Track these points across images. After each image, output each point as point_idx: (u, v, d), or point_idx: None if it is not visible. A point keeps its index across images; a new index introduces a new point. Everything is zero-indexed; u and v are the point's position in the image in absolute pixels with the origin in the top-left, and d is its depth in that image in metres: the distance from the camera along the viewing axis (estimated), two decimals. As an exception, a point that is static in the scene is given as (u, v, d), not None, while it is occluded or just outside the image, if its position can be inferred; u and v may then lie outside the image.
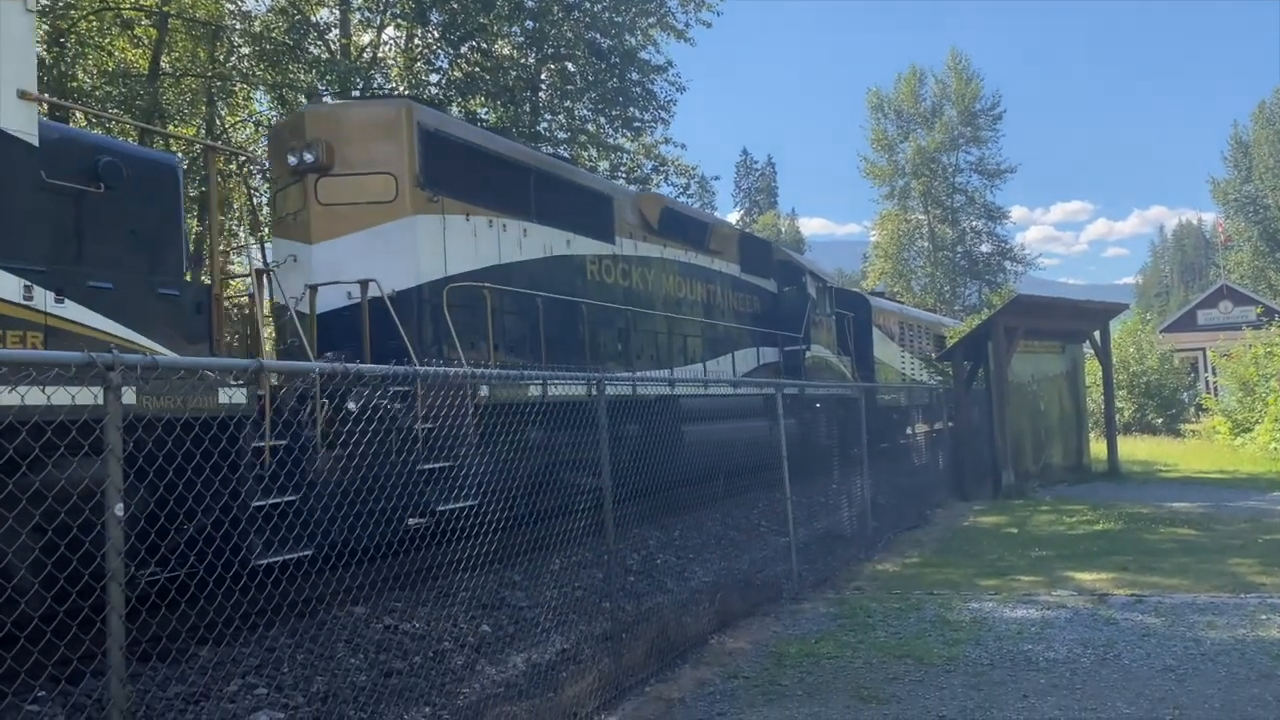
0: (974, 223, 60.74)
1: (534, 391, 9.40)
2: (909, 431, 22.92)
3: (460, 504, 7.10)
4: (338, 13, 23.74)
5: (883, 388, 21.80)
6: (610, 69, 26.14)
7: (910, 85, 60.27)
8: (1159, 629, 6.83)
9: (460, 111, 22.95)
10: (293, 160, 9.63)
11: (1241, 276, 64.55)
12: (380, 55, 24.39)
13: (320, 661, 6.08)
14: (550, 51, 25.59)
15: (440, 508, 7.19)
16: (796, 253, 25.58)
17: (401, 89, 22.20)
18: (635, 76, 27.16)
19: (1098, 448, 20.23)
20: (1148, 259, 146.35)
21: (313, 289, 9.07)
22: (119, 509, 3.24)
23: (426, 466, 7.63)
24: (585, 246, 12.26)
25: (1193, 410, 33.37)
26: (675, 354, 14.12)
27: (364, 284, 8.76)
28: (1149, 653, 6.25)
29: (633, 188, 15.37)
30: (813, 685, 5.86)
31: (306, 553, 6.27)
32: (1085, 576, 8.91)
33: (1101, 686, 5.62)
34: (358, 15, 23.96)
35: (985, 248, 60.71)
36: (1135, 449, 24.33)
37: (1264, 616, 7.06)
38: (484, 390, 8.68)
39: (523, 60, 25.62)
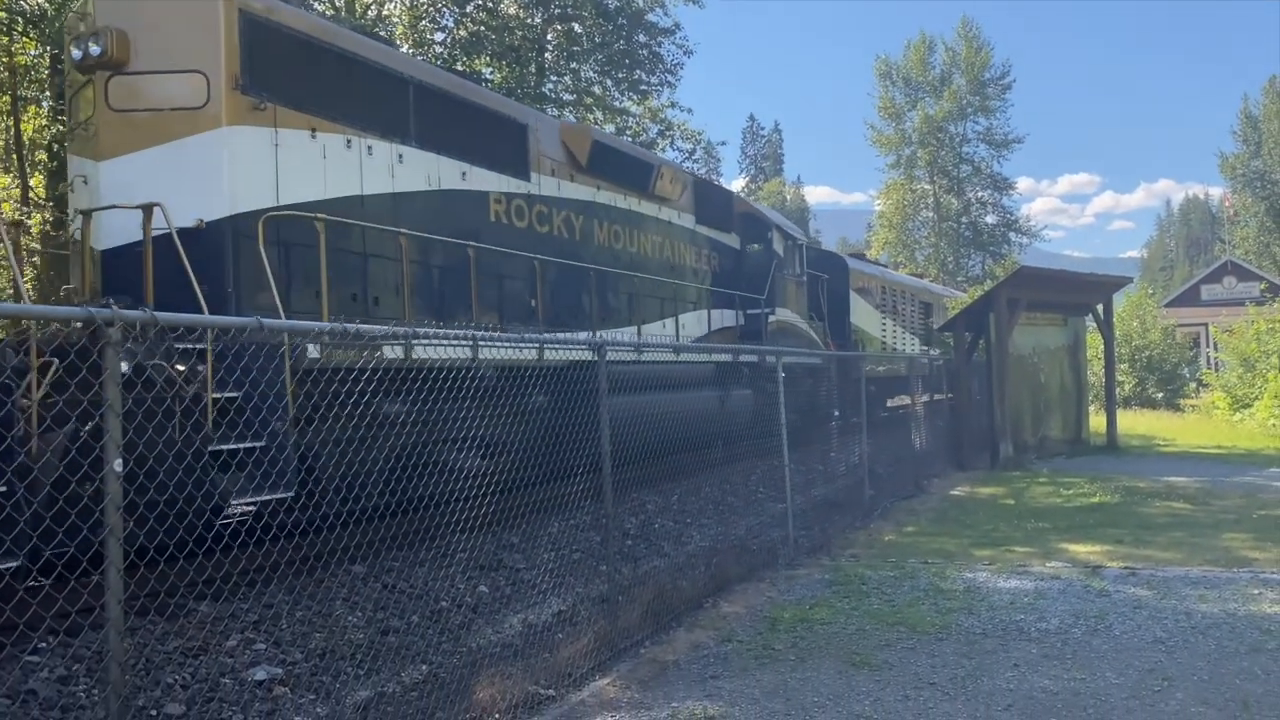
0: (980, 193, 60.46)
1: (393, 353, 7.78)
2: (889, 404, 22.32)
3: (272, 496, 6.13)
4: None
5: (855, 357, 20.44)
6: (617, 30, 25.93)
7: (919, 53, 59.69)
8: (1151, 601, 6.88)
9: (465, 70, 22.72)
10: (77, 54, 7.71)
11: (1246, 252, 64.29)
12: (385, 13, 24.16)
13: (318, 619, 6.14)
14: (557, 11, 25.37)
15: (239, 503, 5.78)
16: (771, 209, 23.33)
17: (405, 47, 21.99)
18: (642, 39, 26.95)
19: (1097, 421, 20.26)
20: (1153, 233, 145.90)
21: (86, 216, 7.42)
22: (118, 464, 3.26)
23: (222, 448, 6.07)
24: (489, 181, 10.27)
25: (1193, 385, 33.39)
26: (609, 314, 12.31)
27: (147, 210, 6.81)
28: (1140, 625, 6.30)
29: (557, 118, 13.31)
30: (805, 650, 5.92)
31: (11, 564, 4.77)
32: (1080, 549, 8.96)
33: (1092, 657, 5.67)
34: (362, -28, 23.69)
35: (990, 219, 60.49)
36: (1134, 423, 24.36)
37: (1255, 591, 7.10)
38: (313, 350, 7.12)
39: (529, 20, 25.39)
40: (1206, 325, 41.36)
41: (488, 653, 5.72)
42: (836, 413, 15.60)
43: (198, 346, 6.20)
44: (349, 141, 8.55)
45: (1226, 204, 72.55)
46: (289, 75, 8.11)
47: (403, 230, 8.69)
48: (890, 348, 23.53)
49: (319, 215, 7.72)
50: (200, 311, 6.26)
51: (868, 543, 9.55)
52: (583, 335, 10.85)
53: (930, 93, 59.56)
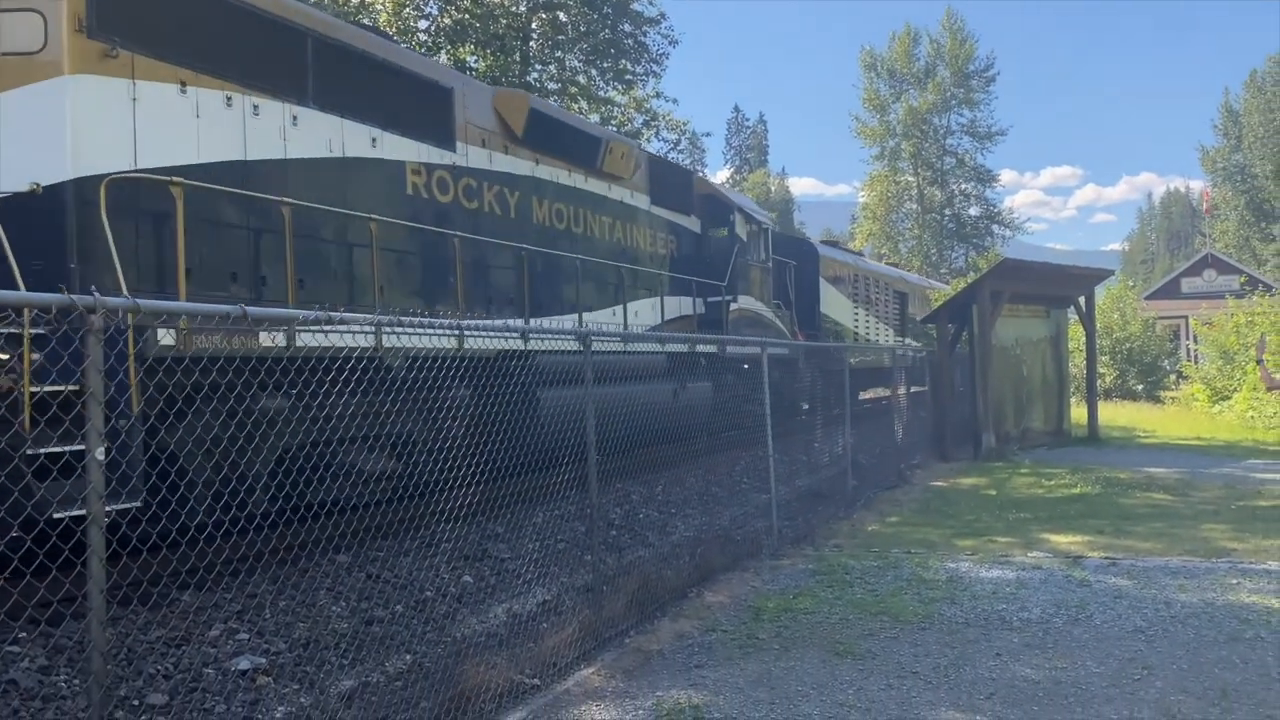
0: (963, 185, 60.63)
1: (272, 341, 6.82)
2: (862, 397, 21.71)
3: (113, 506, 5.17)
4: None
5: (825, 348, 18.72)
6: (602, 19, 25.84)
7: (904, 45, 59.73)
8: (1131, 591, 6.94)
9: (450, 60, 22.60)
10: None
11: (1226, 246, 64.86)
12: (368, 0, 23.99)
13: (302, 608, 6.12)
14: (542, 0, 25.24)
15: (61, 515, 4.45)
16: (739, 193, 22.86)
17: (390, 32, 21.83)
18: (628, 28, 26.88)
19: (1078, 412, 20.40)
20: (1135, 226, 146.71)
21: None
22: (100, 453, 3.23)
23: (42, 451, 4.88)
24: (405, 150, 9.20)
25: (1173, 377, 33.66)
26: (548, 299, 11.25)
27: None
28: (1120, 614, 6.35)
29: (490, 86, 12.40)
30: (789, 639, 5.94)
31: None
32: (1061, 539, 9.03)
33: (1073, 646, 5.71)
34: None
35: (974, 211, 60.68)
36: (1115, 414, 24.55)
37: (1234, 581, 7.18)
38: (165, 336, 6.30)
39: (514, 8, 25.26)
40: (1187, 318, 41.71)
41: (472, 642, 5.72)
42: (805, 406, 15.42)
43: (10, 330, 5.15)
44: (229, 99, 7.40)
45: (1207, 198, 73.09)
46: (151, 19, 6.97)
47: (286, 200, 7.42)
48: (863, 338, 22.90)
49: (176, 180, 6.61)
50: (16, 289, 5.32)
51: (851, 533, 9.59)
52: (516, 322, 9.91)
53: (915, 85, 59.65)
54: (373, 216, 8.29)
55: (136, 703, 4.70)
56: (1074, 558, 8.14)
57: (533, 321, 10.56)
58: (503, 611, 6.48)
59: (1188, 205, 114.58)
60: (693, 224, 15.62)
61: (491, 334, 8.09)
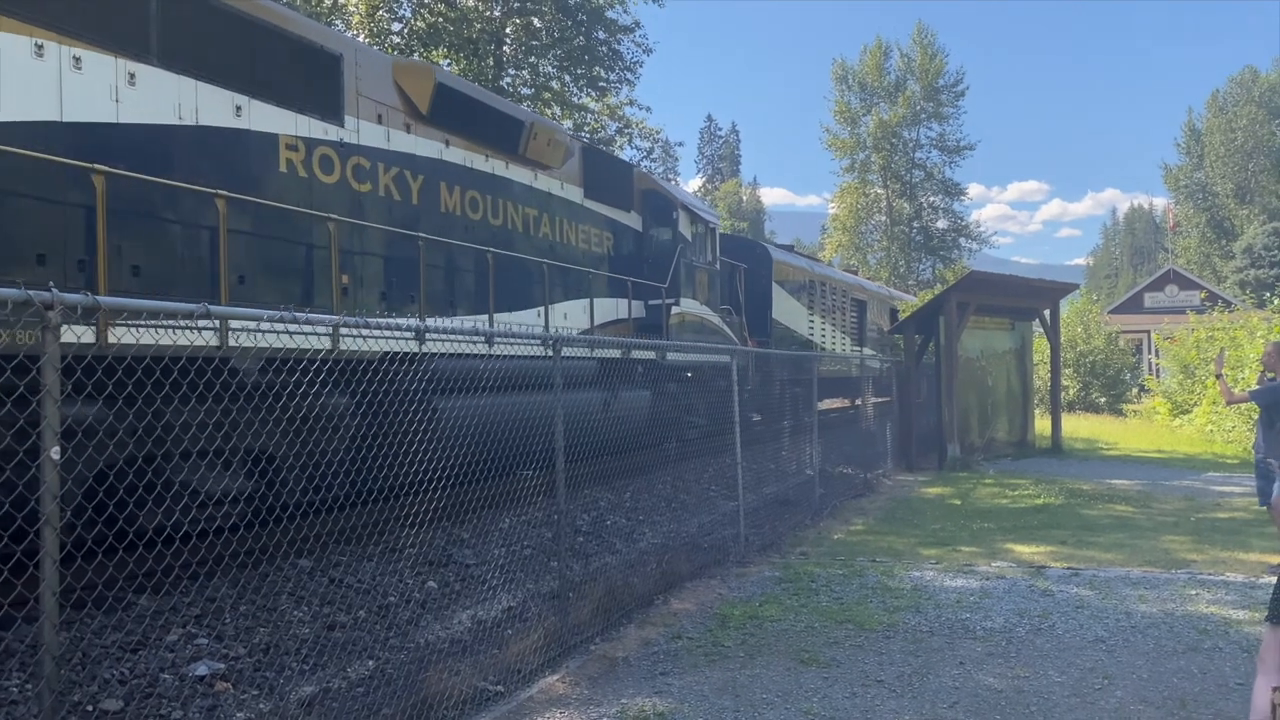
0: (932, 199, 61.18)
1: (75, 337, 5.34)
2: (818, 408, 21.51)
3: None
4: (298, -45, 23.12)
5: (792, 357, 17.48)
6: (576, 26, 25.84)
7: (875, 58, 60.25)
8: (1092, 601, 7.00)
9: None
10: None
11: (1188, 262, 65.97)
12: (342, 2, 23.85)
13: (263, 613, 6.04)
14: (516, 5, 25.22)
15: None
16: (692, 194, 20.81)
17: (362, 36, 21.72)
18: (602, 35, 26.90)
19: (1042, 424, 20.62)
20: (1099, 241, 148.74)
21: None
22: (54, 452, 3.16)
23: None
24: (278, 121, 7.95)
25: (1135, 390, 34.11)
26: (455, 297, 10.07)
27: None
28: (1082, 624, 6.41)
29: (390, 56, 10.99)
30: (755, 647, 5.94)
31: None
32: (1024, 549, 9.11)
33: (1035, 655, 5.75)
34: (318, -42, 23.36)
35: (942, 224, 61.21)
36: (1078, 426, 24.84)
37: (1193, 592, 7.27)
38: None
39: (487, 13, 25.21)
40: (1149, 332, 42.36)
41: (436, 649, 5.67)
42: (756, 417, 14.86)
43: None
44: (39, 47, 6.20)
45: (1169, 214, 74.30)
46: None
47: (98, 167, 6.09)
48: (818, 347, 21.98)
49: None
50: None
51: (817, 541, 9.62)
52: (409, 322, 7.64)
53: (885, 98, 60.17)
54: (219, 193, 6.90)
55: (90, 708, 4.60)
56: (1037, 568, 8.21)
57: (433, 321, 8.89)
58: (467, 618, 6.43)
59: (1151, 221, 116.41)
60: (633, 221, 14.55)
61: (374, 332, 6.83)
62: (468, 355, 8.38)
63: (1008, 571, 8.08)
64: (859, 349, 24.58)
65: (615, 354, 11.49)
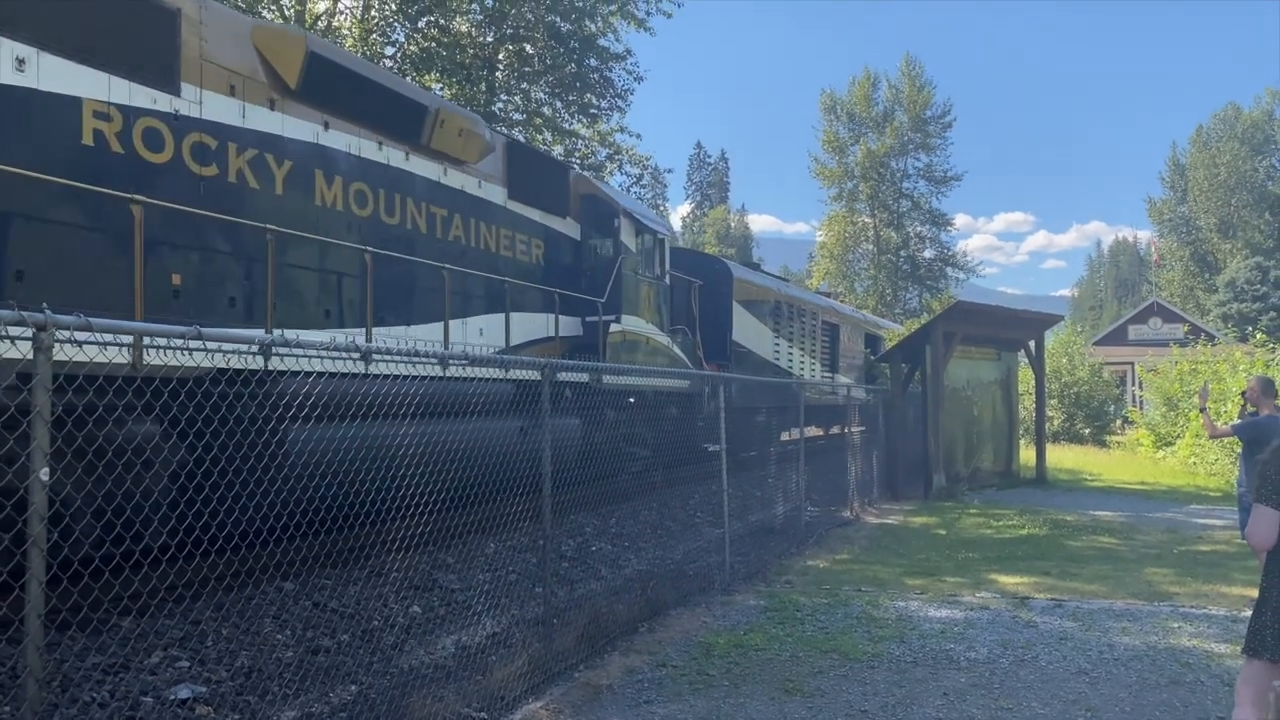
0: (919, 228, 61.66)
1: None
2: (784, 438, 19.80)
3: None
4: (293, -22, 23.28)
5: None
6: (569, 54, 26.02)
7: (864, 89, 60.89)
8: (1076, 633, 7.03)
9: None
10: None
11: (1172, 295, 66.58)
12: (335, 24, 23.99)
13: (245, 636, 6.00)
14: (509, 32, 25.41)
15: None
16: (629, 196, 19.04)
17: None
18: (593, 63, 27.08)
19: (1027, 454, 20.69)
20: (1084, 273, 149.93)
21: None
22: (44, 473, 3.16)
23: None
24: (81, 83, 6.57)
25: (1119, 422, 34.29)
26: (331, 306, 8.66)
27: None
28: (1065, 655, 6.43)
29: (249, 17, 10.04)
30: (739, 676, 5.94)
31: None
32: (1008, 580, 9.13)
33: (1018, 687, 5.77)
34: (313, -18, 23.52)
35: (928, 253, 61.67)
36: (1063, 457, 24.95)
37: (1175, 625, 7.30)
38: None
39: (481, 39, 25.39)
40: (1133, 364, 42.67)
41: (419, 674, 5.64)
42: (714, 447, 14.33)
43: None
44: None
45: (1153, 248, 75.02)
46: None
47: None
48: (784, 372, 20.45)
49: None
50: None
51: (803, 569, 9.62)
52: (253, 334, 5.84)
53: (873, 128, 60.76)
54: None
55: (70, 731, 4.57)
56: (1021, 598, 8.23)
57: (282, 334, 6.49)
58: (451, 643, 6.40)
59: (1135, 254, 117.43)
60: (569, 229, 13.15)
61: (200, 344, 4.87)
62: (340, 375, 6.41)
63: (992, 602, 8.10)
64: (831, 375, 23.56)
65: (534, 375, 8.75)
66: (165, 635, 5.75)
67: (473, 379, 8.25)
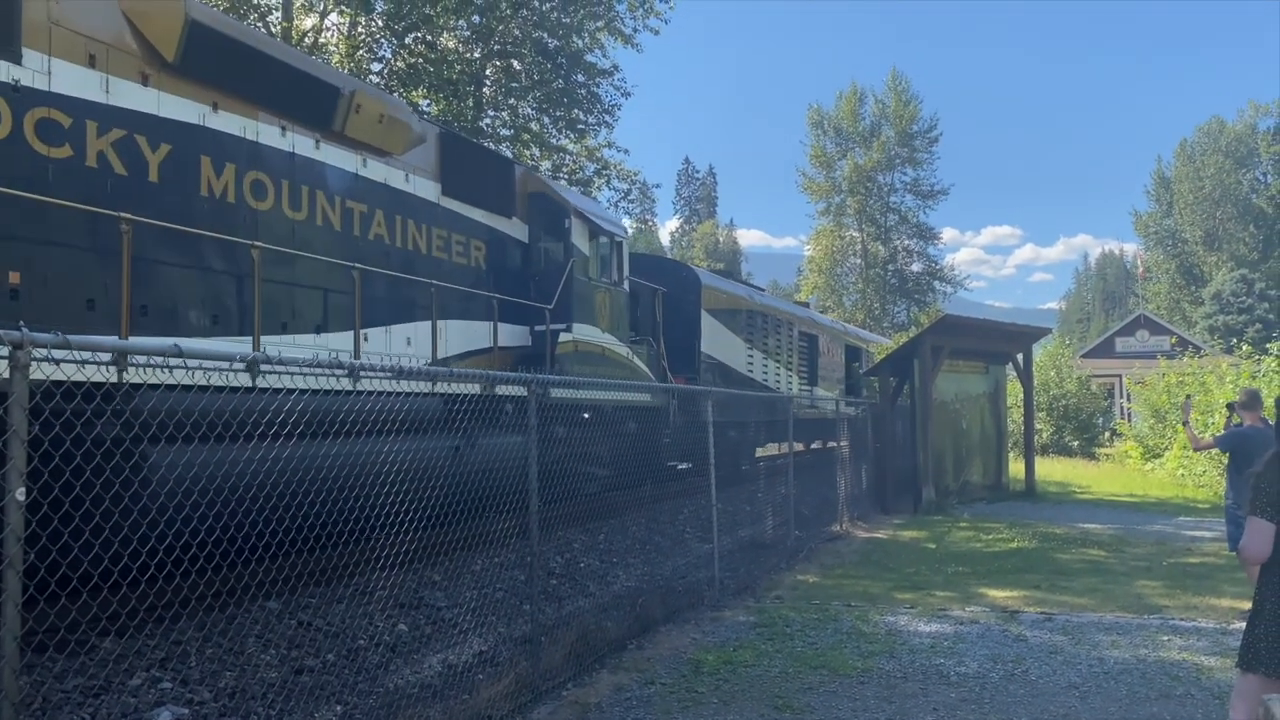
0: (906, 242, 61.88)
1: None
2: (758, 453, 19.81)
3: None
4: (280, -5, 23.29)
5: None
6: (556, 69, 26.09)
7: (851, 104, 61.18)
8: (1066, 647, 7.00)
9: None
10: None
11: (1158, 307, 66.98)
12: (322, 41, 23.99)
13: (229, 656, 5.94)
14: (496, 48, 25.46)
15: None
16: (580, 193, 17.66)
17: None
18: (581, 79, 27.15)
19: (1016, 467, 20.73)
20: (1071, 286, 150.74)
21: None
22: (20, 493, 3.12)
23: None
24: None
25: (1107, 434, 34.41)
26: (212, 311, 7.55)
27: None
28: (1055, 670, 6.41)
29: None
30: (729, 693, 5.89)
31: None
32: (998, 594, 9.11)
33: (1008, 701, 5.74)
34: (300, -1, 23.54)
35: (916, 267, 61.85)
36: (1052, 470, 24.99)
37: (1165, 638, 7.29)
38: None
39: (468, 55, 25.43)
40: (1120, 376, 42.82)
41: (405, 693, 5.58)
42: (684, 465, 13.49)
43: None
44: None
45: (1140, 260, 75.50)
46: None
47: None
48: (758, 385, 19.55)
49: None
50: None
51: (792, 585, 9.58)
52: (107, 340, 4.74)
53: (860, 143, 61.02)
54: None
55: (49, 755, 4.49)
56: (1011, 612, 8.21)
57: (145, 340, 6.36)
58: (438, 662, 6.34)
59: (1122, 267, 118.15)
60: (516, 229, 12.12)
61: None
62: (217, 388, 5.69)
63: (982, 616, 8.07)
64: (810, 389, 22.79)
65: (473, 389, 8.42)
66: (147, 656, 5.67)
67: (396, 394, 6.93)
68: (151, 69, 7.21)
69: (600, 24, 27.07)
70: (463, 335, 10.59)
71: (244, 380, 5.41)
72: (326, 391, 5.63)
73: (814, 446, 22.74)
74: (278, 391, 5.33)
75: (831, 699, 5.78)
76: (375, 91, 10.44)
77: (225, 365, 4.35)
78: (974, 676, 6.25)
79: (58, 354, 3.37)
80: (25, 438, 3.17)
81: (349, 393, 6.01)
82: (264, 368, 4.38)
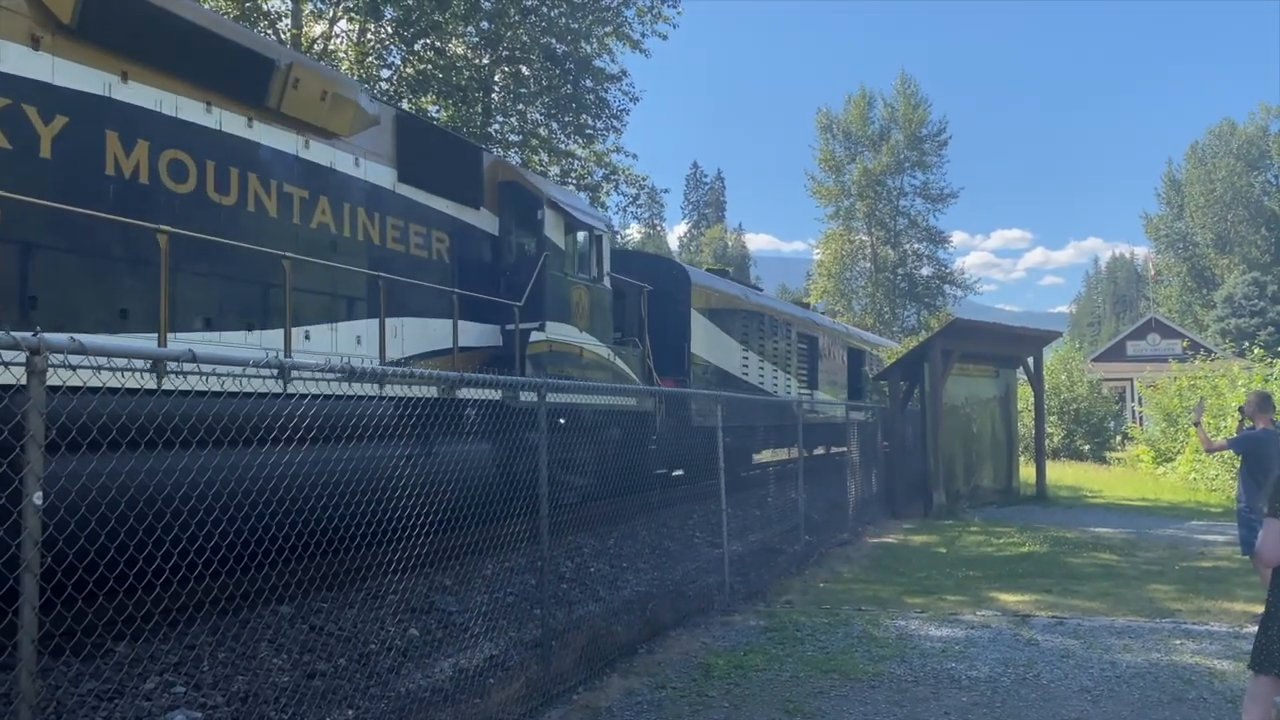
0: (916, 246, 61.85)
1: None
2: (756, 459, 19.30)
3: None
4: (290, 2, 23.42)
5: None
6: (564, 75, 26.16)
7: (860, 108, 61.20)
8: (1078, 651, 6.99)
9: (411, 108, 22.74)
10: None
11: (1170, 310, 66.68)
12: (331, 48, 24.11)
13: (242, 660, 5.96)
14: (505, 54, 25.54)
15: None
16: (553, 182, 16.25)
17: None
18: (589, 84, 27.22)
19: (1027, 471, 20.66)
20: (1082, 289, 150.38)
21: None
22: (38, 497, 3.15)
23: None
24: None
25: (1119, 438, 34.27)
26: (144, 308, 6.74)
27: None
28: (1067, 673, 6.39)
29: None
30: (739, 697, 5.89)
31: None
32: (1009, 598, 9.09)
33: (1020, 705, 5.73)
34: (309, 6, 23.66)
35: (926, 271, 61.83)
36: (1063, 474, 24.90)
37: (1177, 642, 7.26)
38: None
39: (477, 61, 25.53)
40: (1132, 380, 42.67)
41: (417, 697, 5.60)
42: (679, 472, 13.20)
43: None
44: None
45: (1151, 264, 75.23)
46: None
47: None
48: (754, 388, 18.80)
49: None
50: None
51: (803, 589, 9.58)
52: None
53: (869, 147, 61.04)
54: None
55: (64, 759, 4.52)
56: (1022, 616, 8.19)
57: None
58: (449, 666, 6.36)
59: (1133, 270, 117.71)
60: (485, 221, 11.31)
61: None
62: (110, 390, 4.59)
63: (993, 620, 8.06)
64: (810, 393, 22.10)
65: (429, 392, 8.15)
66: (160, 660, 5.71)
67: (333, 397, 6.31)
68: (44, 31, 6.47)
69: (608, 29, 27.13)
70: (422, 334, 9.81)
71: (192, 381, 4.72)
72: (246, 395, 5.05)
73: (817, 452, 22.62)
74: (184, 394, 4.64)
75: (842, 703, 5.78)
76: (317, 65, 9.55)
77: (124, 365, 3.92)
78: (985, 680, 6.24)
79: (73, 359, 3.40)
80: (42, 443, 3.20)
81: (279, 395, 5.34)
82: (171, 367, 3.91)
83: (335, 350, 8.47)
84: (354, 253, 9.08)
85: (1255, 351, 27.12)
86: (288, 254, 7.55)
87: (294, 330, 7.71)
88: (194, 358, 3.81)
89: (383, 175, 9.65)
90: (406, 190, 9.98)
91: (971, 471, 18.51)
